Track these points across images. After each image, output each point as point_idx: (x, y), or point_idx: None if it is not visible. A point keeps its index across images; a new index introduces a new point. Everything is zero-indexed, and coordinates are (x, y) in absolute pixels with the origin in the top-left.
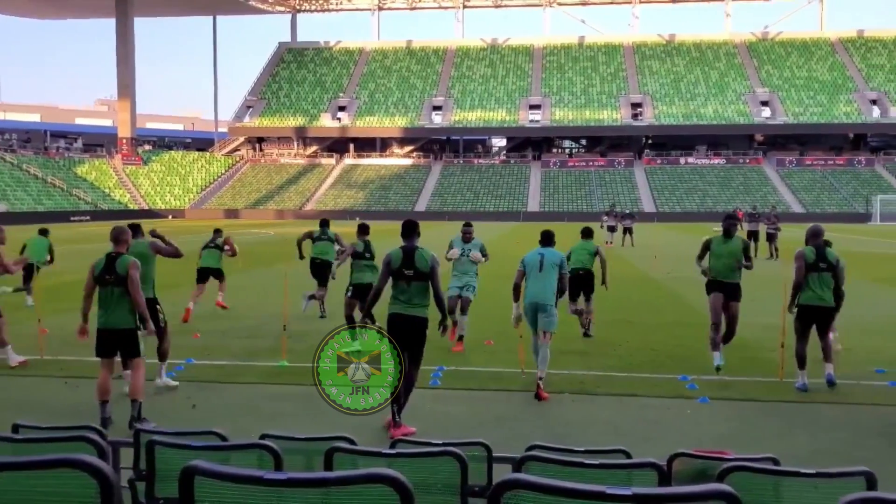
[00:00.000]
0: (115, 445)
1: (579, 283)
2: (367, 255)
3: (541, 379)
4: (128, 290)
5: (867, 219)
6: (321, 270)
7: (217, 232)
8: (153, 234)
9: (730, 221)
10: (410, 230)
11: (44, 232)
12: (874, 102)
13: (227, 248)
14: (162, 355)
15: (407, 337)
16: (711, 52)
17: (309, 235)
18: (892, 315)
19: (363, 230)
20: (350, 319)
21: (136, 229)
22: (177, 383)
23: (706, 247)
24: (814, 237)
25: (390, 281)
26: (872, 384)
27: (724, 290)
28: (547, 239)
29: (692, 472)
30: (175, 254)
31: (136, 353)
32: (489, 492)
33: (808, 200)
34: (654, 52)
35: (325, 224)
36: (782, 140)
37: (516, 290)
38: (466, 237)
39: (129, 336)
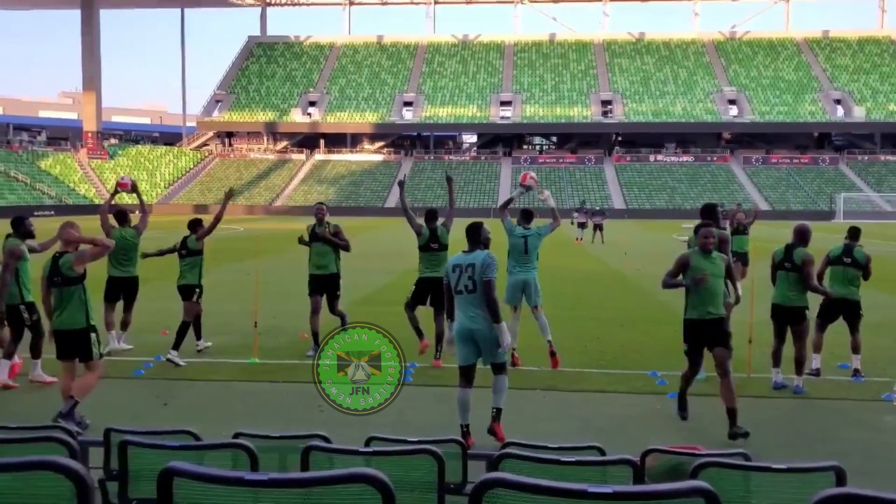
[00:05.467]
0: (83, 445)
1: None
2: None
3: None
4: (80, 284)
5: (831, 216)
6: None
7: None
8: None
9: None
10: (433, 216)
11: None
12: (838, 102)
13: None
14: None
15: (433, 293)
16: (680, 51)
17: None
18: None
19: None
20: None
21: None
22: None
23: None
24: (801, 237)
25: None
26: (837, 379)
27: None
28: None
29: (665, 467)
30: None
31: (88, 356)
32: (470, 490)
33: (773, 198)
34: (625, 49)
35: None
36: (749, 138)
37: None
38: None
39: (81, 337)
